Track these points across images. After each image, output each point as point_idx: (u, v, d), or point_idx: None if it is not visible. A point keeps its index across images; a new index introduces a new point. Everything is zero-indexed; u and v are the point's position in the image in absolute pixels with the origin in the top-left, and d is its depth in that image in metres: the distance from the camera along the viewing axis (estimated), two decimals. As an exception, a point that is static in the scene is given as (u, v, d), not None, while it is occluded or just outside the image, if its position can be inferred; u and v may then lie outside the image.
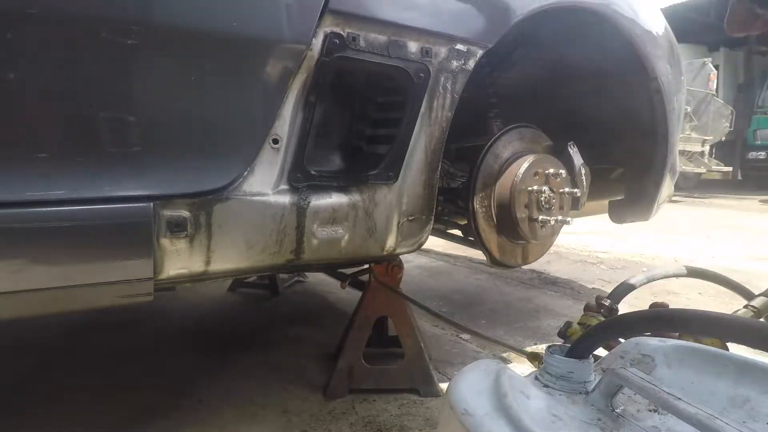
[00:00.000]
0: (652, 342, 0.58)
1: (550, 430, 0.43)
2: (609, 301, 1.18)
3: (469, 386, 0.50)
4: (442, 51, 1.23)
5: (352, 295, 1.84)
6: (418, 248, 1.37)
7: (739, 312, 1.13)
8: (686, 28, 9.60)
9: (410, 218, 1.30)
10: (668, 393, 0.43)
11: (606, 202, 2.11)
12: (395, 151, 1.22)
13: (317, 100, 1.09)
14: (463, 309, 2.41)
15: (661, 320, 0.53)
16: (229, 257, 1.04)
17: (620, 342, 0.60)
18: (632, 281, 1.20)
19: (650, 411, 0.48)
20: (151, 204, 0.92)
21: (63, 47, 0.82)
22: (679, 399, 0.42)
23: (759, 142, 10.66)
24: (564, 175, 1.61)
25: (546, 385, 0.52)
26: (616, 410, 0.48)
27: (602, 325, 0.56)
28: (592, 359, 0.55)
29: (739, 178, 11.44)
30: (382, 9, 1.12)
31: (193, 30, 0.91)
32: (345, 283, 1.72)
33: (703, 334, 0.53)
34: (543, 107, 2.00)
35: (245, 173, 1.02)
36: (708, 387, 0.50)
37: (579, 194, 1.62)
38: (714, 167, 10.51)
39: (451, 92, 1.27)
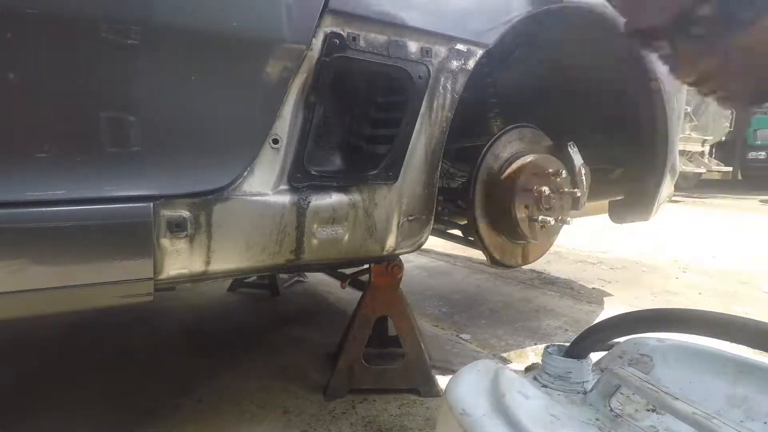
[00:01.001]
0: (650, 342, 0.58)
1: (548, 429, 0.43)
2: None
3: (467, 386, 0.50)
4: (442, 51, 1.23)
5: (352, 295, 1.84)
6: (418, 248, 1.37)
7: None
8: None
9: (410, 218, 1.30)
10: (666, 393, 0.43)
11: (606, 202, 2.11)
12: (395, 151, 1.22)
13: (317, 100, 1.09)
14: (463, 309, 2.41)
15: (659, 320, 0.53)
16: (229, 257, 1.05)
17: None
18: None
19: (648, 411, 0.48)
20: (151, 204, 0.92)
21: (63, 47, 0.82)
22: (677, 399, 0.42)
23: (759, 142, 10.63)
24: (564, 175, 1.61)
25: (544, 385, 0.52)
26: (614, 410, 0.48)
27: (601, 324, 0.56)
28: (590, 359, 0.55)
29: (739, 178, 11.42)
30: (382, 9, 1.12)
31: (193, 30, 0.91)
32: (345, 283, 1.72)
33: (702, 333, 0.53)
34: (543, 107, 2.00)
35: (245, 173, 1.03)
36: (706, 387, 0.50)
37: (579, 194, 1.62)
38: (714, 167, 10.49)
39: (451, 92, 1.27)
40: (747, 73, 0.52)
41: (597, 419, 0.47)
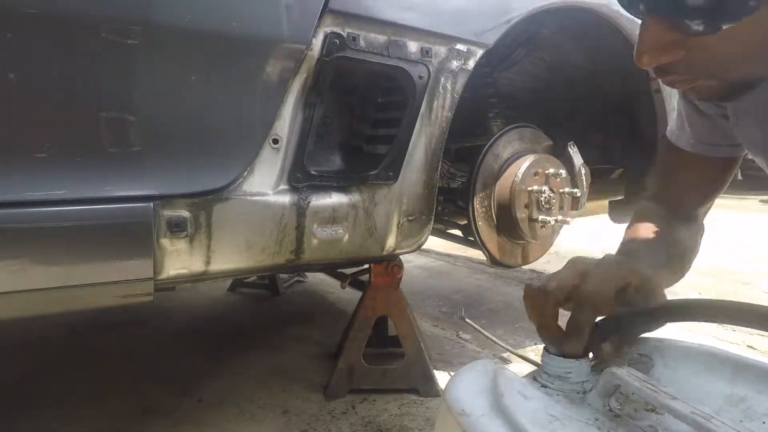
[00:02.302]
0: (649, 341, 0.58)
1: (548, 429, 0.43)
2: None
3: (466, 386, 0.50)
4: (442, 51, 1.23)
5: (352, 295, 1.84)
6: (418, 248, 1.37)
7: None
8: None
9: (410, 218, 1.30)
10: (665, 392, 0.43)
11: (606, 202, 2.11)
12: (395, 151, 1.22)
13: (317, 100, 1.09)
14: (463, 309, 2.41)
15: (662, 313, 0.53)
16: (229, 257, 1.05)
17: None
18: None
19: (647, 410, 0.48)
20: (152, 204, 0.92)
21: (63, 47, 0.82)
22: (676, 398, 0.42)
23: (760, 142, 10.63)
24: (564, 175, 1.61)
25: (543, 386, 0.52)
26: (614, 410, 0.48)
27: (603, 323, 0.56)
28: (589, 359, 0.55)
29: (740, 178, 11.40)
30: (382, 9, 1.12)
31: (193, 30, 0.92)
32: (345, 283, 1.72)
33: (703, 320, 0.53)
34: (543, 107, 2.00)
35: (245, 173, 1.03)
36: (705, 386, 0.50)
37: (579, 194, 1.63)
38: (714, 167, 10.47)
39: (451, 92, 1.27)
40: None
41: (596, 419, 0.47)
